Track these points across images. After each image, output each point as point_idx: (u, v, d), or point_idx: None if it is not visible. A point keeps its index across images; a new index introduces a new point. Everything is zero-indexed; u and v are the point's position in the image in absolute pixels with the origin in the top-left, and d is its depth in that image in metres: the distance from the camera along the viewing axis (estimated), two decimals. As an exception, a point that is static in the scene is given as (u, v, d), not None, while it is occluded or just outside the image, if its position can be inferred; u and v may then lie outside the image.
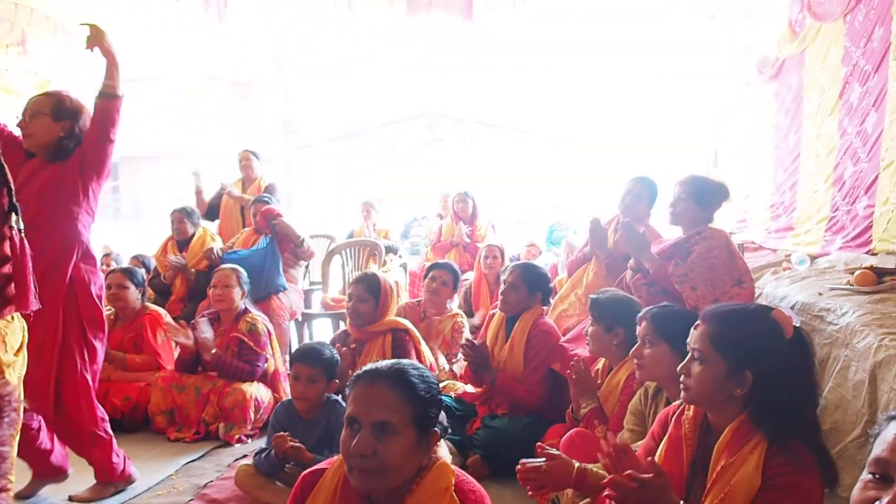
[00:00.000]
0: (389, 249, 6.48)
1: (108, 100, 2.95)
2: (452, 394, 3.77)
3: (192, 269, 5.50)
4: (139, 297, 4.63)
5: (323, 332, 6.12)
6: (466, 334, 3.88)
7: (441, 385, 3.93)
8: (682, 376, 1.84)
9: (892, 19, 3.74)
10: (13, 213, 2.08)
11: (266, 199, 5.55)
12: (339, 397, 3.17)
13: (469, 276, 5.80)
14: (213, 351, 4.06)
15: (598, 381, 2.95)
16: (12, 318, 2.07)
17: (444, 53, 8.47)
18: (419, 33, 6.44)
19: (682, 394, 1.83)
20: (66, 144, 2.97)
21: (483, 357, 3.51)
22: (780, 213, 5.59)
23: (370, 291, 3.51)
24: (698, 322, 1.87)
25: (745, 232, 6.23)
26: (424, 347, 3.65)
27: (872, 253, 3.78)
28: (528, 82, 9.94)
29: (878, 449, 1.16)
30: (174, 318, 4.73)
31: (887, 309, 2.65)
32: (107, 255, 6.38)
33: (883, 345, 2.34)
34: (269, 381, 4.29)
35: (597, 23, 7.11)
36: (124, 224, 13.50)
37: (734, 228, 6.50)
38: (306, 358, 3.04)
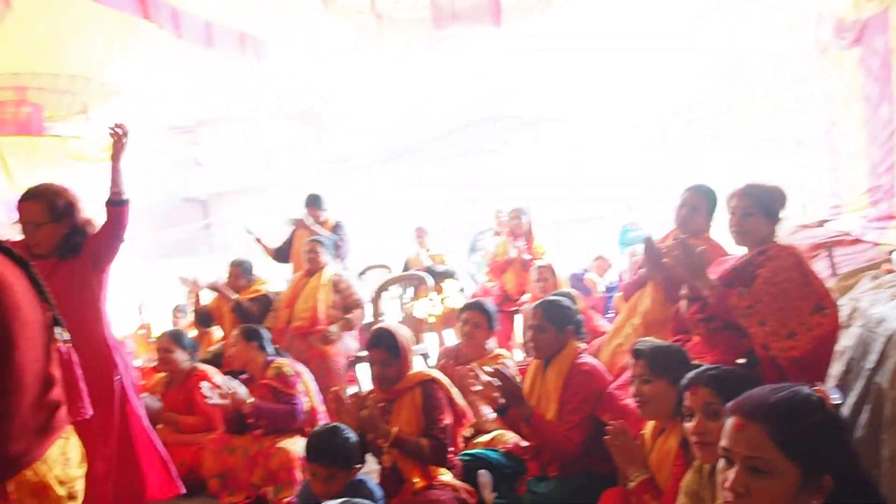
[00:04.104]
0: (445, 275, 6.14)
1: (117, 206, 3.18)
2: (500, 448, 3.40)
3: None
4: (188, 359, 4.62)
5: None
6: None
7: (489, 436, 3.59)
8: (734, 496, 1.42)
9: None
10: (56, 326, 1.95)
11: (319, 239, 5.38)
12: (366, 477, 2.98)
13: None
14: (250, 400, 3.90)
15: (647, 448, 2.50)
16: (67, 434, 1.96)
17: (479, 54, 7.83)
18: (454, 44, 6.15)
19: None
20: (73, 239, 3.06)
21: (514, 389, 3.02)
22: (879, 197, 4.89)
23: (390, 353, 3.19)
24: (735, 419, 1.46)
25: (839, 220, 5.50)
26: (456, 392, 3.30)
27: None
28: (586, 72, 9.14)
29: None
30: (233, 372, 4.58)
31: None
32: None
33: None
34: (311, 425, 4.08)
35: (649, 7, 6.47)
36: (215, 258, 13.95)
37: (828, 215, 5.78)
38: (321, 457, 2.83)
